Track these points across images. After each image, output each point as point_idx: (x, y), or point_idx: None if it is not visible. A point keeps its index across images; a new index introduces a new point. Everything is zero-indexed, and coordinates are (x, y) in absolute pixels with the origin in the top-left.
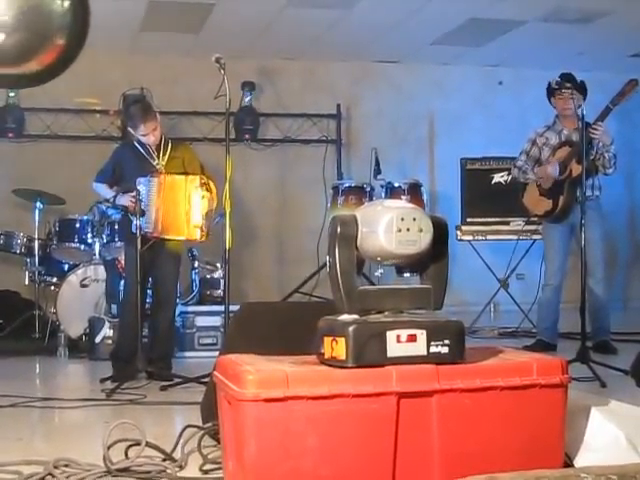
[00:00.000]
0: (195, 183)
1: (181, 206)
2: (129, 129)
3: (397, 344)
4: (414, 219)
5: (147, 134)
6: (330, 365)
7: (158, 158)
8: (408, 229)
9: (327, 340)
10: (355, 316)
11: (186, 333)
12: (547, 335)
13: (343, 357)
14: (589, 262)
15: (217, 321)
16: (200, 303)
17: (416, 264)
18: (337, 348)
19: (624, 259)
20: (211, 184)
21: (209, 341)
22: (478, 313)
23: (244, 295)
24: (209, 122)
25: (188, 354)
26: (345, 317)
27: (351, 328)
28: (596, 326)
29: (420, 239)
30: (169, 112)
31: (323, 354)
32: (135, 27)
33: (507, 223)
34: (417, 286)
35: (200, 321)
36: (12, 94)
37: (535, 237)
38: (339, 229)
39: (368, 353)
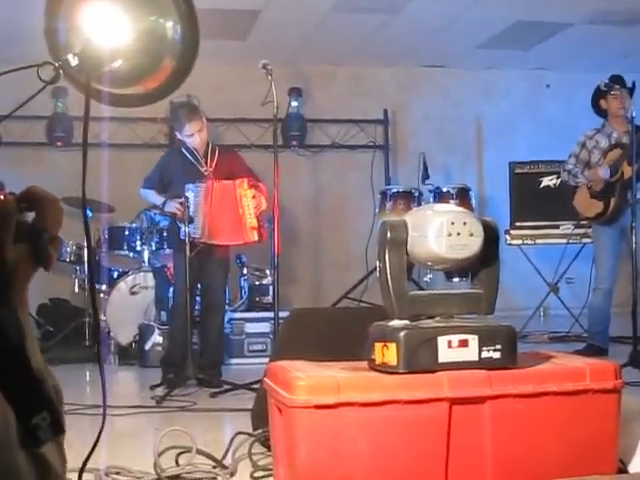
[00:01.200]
0: (244, 186)
1: (233, 211)
2: (176, 132)
3: (448, 349)
4: (464, 223)
5: (192, 134)
6: (381, 371)
7: (206, 164)
8: (459, 233)
9: (378, 346)
10: (406, 321)
11: (235, 340)
12: (598, 339)
13: (394, 363)
14: None
15: (266, 327)
16: (249, 309)
17: (466, 268)
18: (388, 354)
19: None
20: (260, 185)
21: (258, 347)
22: (528, 318)
23: (292, 301)
24: (257, 129)
25: (238, 361)
26: (396, 322)
27: (402, 334)
28: None
29: (471, 243)
30: (216, 119)
31: (374, 360)
32: None
33: (556, 227)
34: (468, 291)
35: (249, 327)
36: (60, 103)
37: (585, 240)
38: (389, 234)
39: (419, 359)
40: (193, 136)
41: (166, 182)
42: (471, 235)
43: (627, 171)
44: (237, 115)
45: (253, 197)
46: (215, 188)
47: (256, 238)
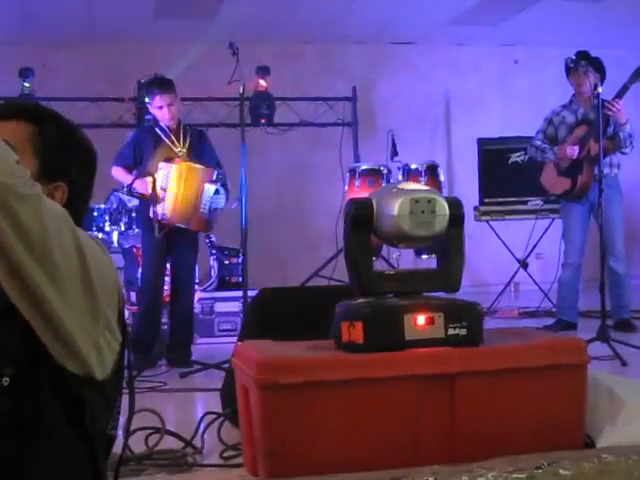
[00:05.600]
0: (212, 176)
1: (193, 195)
2: (148, 105)
3: (414, 327)
4: (428, 201)
5: (162, 106)
6: (347, 350)
7: (179, 144)
8: (423, 211)
9: (344, 324)
10: (372, 300)
11: (205, 319)
12: (567, 314)
13: (360, 341)
14: (608, 240)
15: (236, 306)
16: (219, 289)
17: (432, 246)
18: (354, 332)
19: None
20: (227, 182)
21: (228, 327)
22: (498, 293)
23: (262, 280)
24: (225, 107)
25: (208, 340)
26: (361, 301)
27: (368, 312)
28: (616, 304)
29: (435, 221)
30: (185, 98)
31: (341, 339)
32: (148, 14)
33: (525, 202)
34: (433, 268)
35: (219, 307)
36: (27, 84)
37: (553, 216)
38: (354, 212)
39: (385, 337)
40: (162, 109)
41: (137, 160)
42: (435, 213)
43: (594, 148)
44: (205, 94)
45: (215, 192)
46: (186, 170)
47: (201, 228)
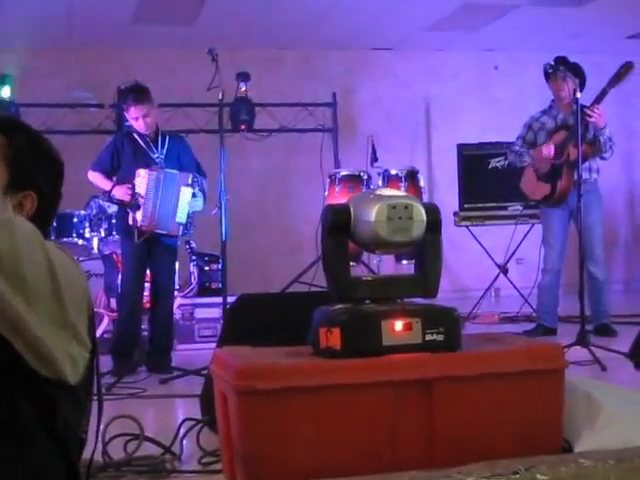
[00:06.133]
0: (187, 181)
1: (170, 200)
2: (125, 114)
3: (392, 333)
4: (406, 207)
5: (137, 117)
6: (325, 355)
7: (157, 150)
8: (400, 217)
9: (322, 331)
10: (349, 306)
11: (185, 325)
12: (547, 320)
13: (338, 347)
14: (588, 245)
15: (216, 313)
16: (199, 295)
17: (410, 252)
18: (332, 338)
19: (624, 241)
20: (204, 184)
21: (208, 333)
22: (478, 298)
23: (242, 286)
24: (205, 113)
25: (188, 346)
26: (339, 307)
27: (345, 318)
28: (595, 309)
29: (412, 227)
30: (165, 104)
31: (318, 344)
32: (128, 20)
33: (505, 208)
34: (411, 274)
35: (199, 313)
36: (6, 90)
37: (533, 221)
38: (331, 218)
39: (363, 343)
40: (138, 120)
41: (115, 166)
42: (412, 219)
43: (573, 153)
44: (185, 100)
45: (193, 196)
46: (164, 176)
47: (179, 233)
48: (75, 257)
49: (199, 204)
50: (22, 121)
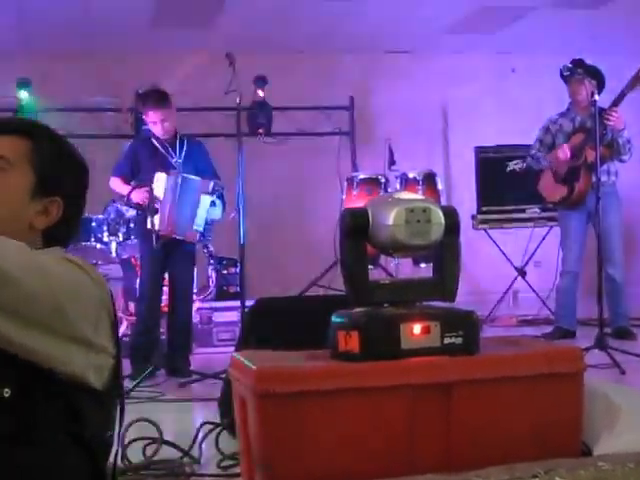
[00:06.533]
0: (208, 189)
1: (190, 206)
2: (143, 117)
3: (411, 336)
4: (424, 210)
5: (155, 122)
6: (343, 359)
7: (175, 154)
8: (418, 220)
9: (340, 334)
10: (368, 309)
11: (204, 329)
12: (566, 322)
13: (357, 351)
14: (606, 248)
15: (235, 316)
16: (217, 299)
17: (428, 255)
18: (350, 342)
19: None
20: (224, 193)
21: (227, 336)
22: (497, 301)
23: (261, 290)
24: (223, 118)
25: (206, 350)
26: (357, 310)
27: (363, 321)
28: (614, 312)
29: (430, 230)
30: (182, 109)
31: (337, 348)
32: (145, 24)
33: (523, 211)
34: (429, 277)
35: (218, 317)
36: (25, 95)
37: (551, 224)
38: (349, 222)
39: (382, 346)
40: (156, 124)
41: (135, 171)
42: (431, 222)
43: (591, 155)
44: (203, 104)
45: (212, 204)
46: (183, 182)
47: (195, 240)
48: (92, 262)
49: (218, 212)
50: (47, 125)
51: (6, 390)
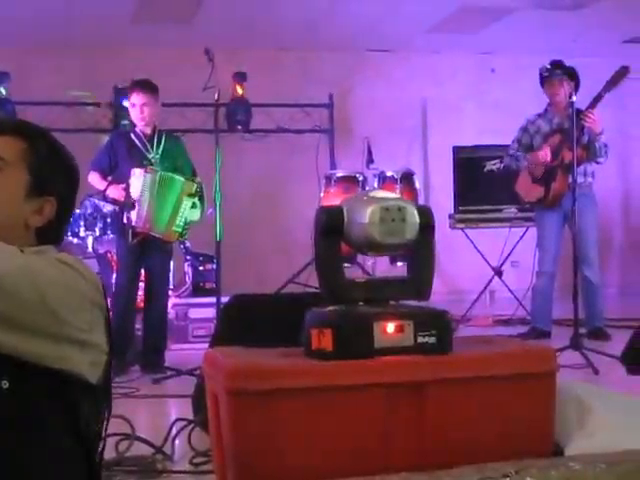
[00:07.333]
0: (190, 190)
1: (169, 206)
2: (127, 101)
3: (384, 335)
4: (399, 209)
5: (134, 105)
6: (317, 357)
7: (152, 150)
8: (393, 219)
9: (314, 332)
10: (342, 307)
11: (180, 325)
12: (541, 322)
13: (330, 349)
14: (582, 248)
15: (210, 313)
16: (194, 295)
17: (403, 254)
18: (324, 340)
19: (619, 245)
20: (204, 194)
21: (203, 333)
22: (473, 301)
23: (237, 286)
24: (202, 113)
25: (181, 346)
26: (331, 308)
27: (337, 319)
28: (589, 312)
29: (405, 229)
30: (162, 104)
31: (310, 346)
32: (125, 19)
33: (500, 211)
34: (403, 276)
35: (193, 313)
36: (2, 89)
37: (528, 224)
38: (324, 220)
39: (355, 345)
40: (135, 107)
41: (112, 165)
42: (405, 221)
43: (567, 156)
44: (182, 100)
45: (193, 206)
46: (162, 179)
47: (173, 240)
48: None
49: (197, 214)
50: (42, 127)
51: (4, 382)
